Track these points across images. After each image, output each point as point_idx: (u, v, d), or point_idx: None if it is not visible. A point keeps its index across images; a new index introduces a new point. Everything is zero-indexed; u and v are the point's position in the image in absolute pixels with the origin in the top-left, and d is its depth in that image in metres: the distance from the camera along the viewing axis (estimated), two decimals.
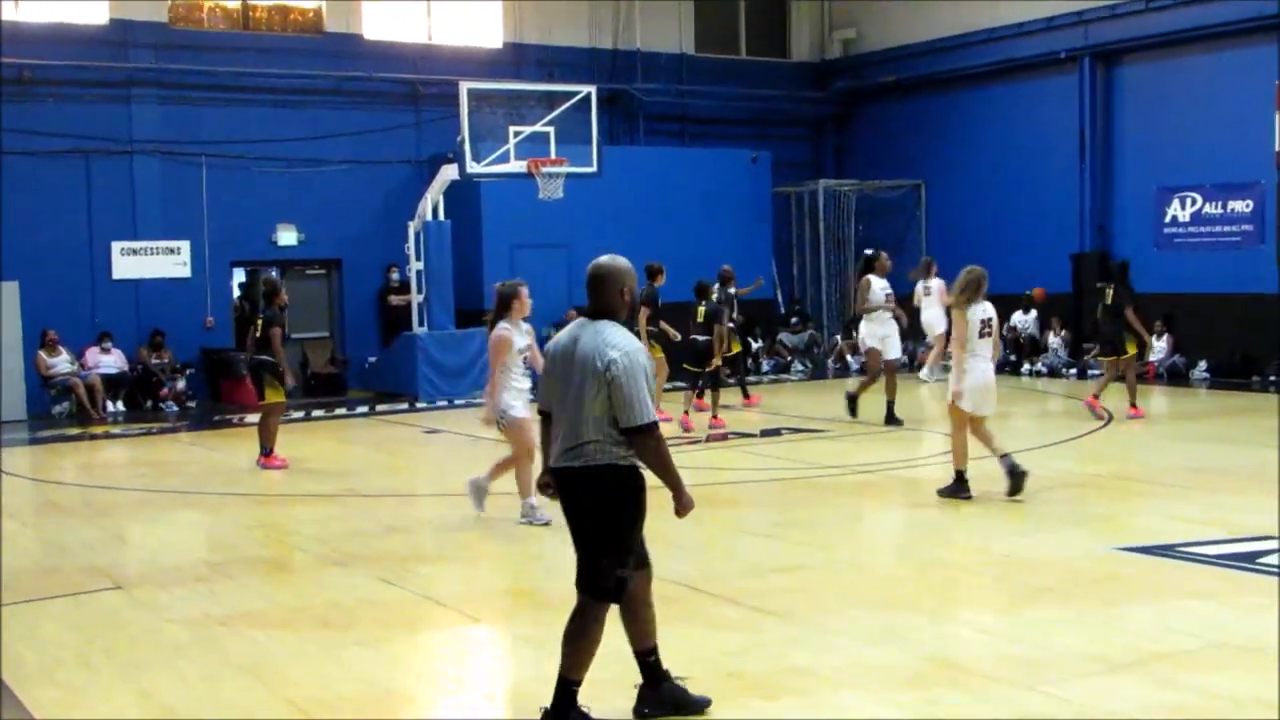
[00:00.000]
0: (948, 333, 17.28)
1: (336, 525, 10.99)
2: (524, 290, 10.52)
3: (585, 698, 5.80)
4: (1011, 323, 22.42)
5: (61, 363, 19.91)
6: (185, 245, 21.68)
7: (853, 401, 16.41)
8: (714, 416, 16.47)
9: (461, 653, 7.37)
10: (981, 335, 10.78)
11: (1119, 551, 9.05)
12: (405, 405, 20.11)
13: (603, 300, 5.74)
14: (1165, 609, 7.56)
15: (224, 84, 21.83)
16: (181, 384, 20.91)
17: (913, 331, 22.05)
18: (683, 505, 5.71)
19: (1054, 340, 22.35)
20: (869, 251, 16.99)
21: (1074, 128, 22.83)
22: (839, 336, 25.18)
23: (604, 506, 5.63)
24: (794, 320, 25.34)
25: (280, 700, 6.33)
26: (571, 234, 22.18)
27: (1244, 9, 20.18)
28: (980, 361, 10.78)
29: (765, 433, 16.01)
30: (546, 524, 10.23)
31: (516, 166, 19.40)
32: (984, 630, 7.26)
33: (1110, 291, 16.33)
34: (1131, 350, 16.30)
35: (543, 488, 5.93)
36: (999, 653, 6.81)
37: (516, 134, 19.46)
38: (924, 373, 20.41)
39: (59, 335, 19.91)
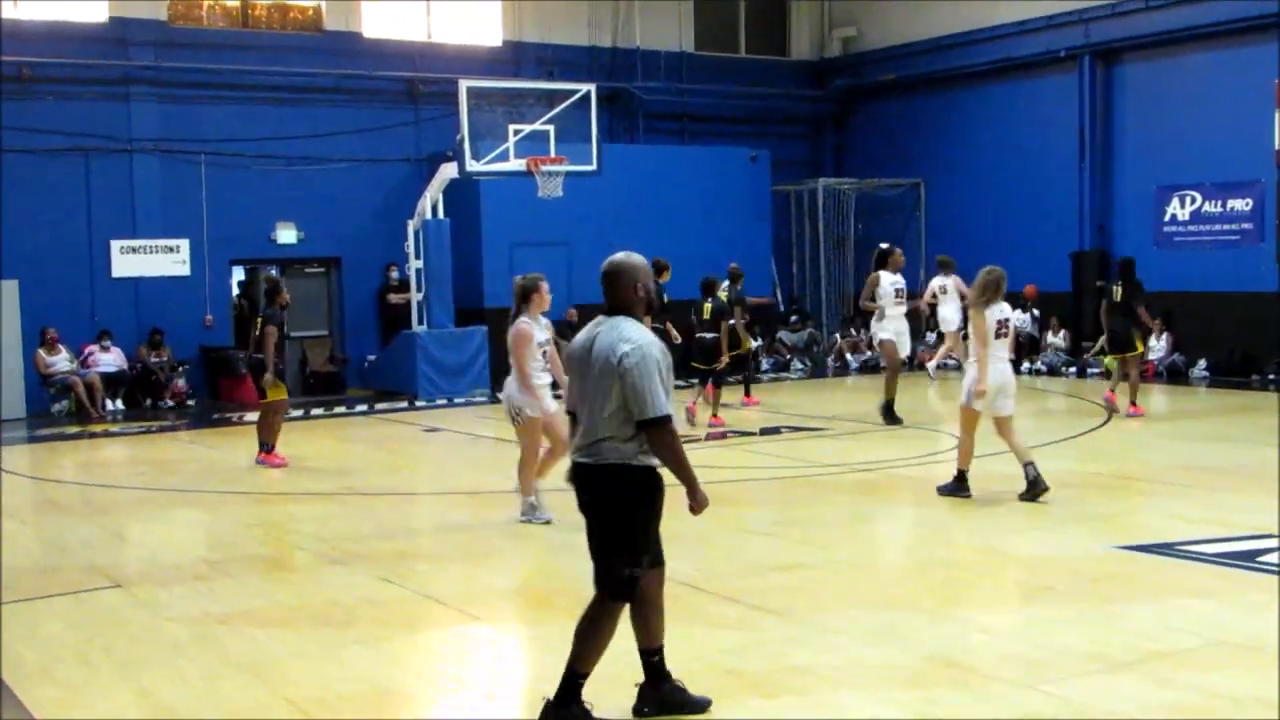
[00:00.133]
0: (961, 331, 17.36)
1: (336, 524, 10.99)
2: (544, 284, 10.42)
3: (586, 694, 5.79)
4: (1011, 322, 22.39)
5: (61, 361, 19.91)
6: (184, 243, 21.68)
7: (890, 407, 15.72)
8: (713, 415, 16.46)
9: (461, 651, 7.36)
10: (998, 335, 10.73)
11: (1119, 550, 9.04)
12: (405, 403, 20.12)
13: (617, 297, 5.76)
14: (1165, 608, 7.55)
15: (223, 82, 21.83)
16: (181, 382, 20.91)
17: (924, 329, 22.13)
18: (697, 502, 5.70)
19: (1052, 339, 22.35)
20: (884, 246, 16.68)
21: (1074, 126, 22.83)
22: (838, 335, 25.21)
23: (616, 505, 5.65)
24: (793, 319, 25.35)
25: (279, 699, 6.32)
26: (571, 232, 22.17)
27: (1243, 8, 20.17)
28: (997, 362, 10.72)
29: (765, 431, 16.01)
30: (547, 523, 10.23)
31: (516, 165, 19.38)
32: (984, 629, 7.25)
33: (1119, 289, 16.39)
34: (1140, 348, 16.38)
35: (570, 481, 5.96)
36: (999, 651, 6.81)
37: (516, 132, 19.44)
38: (931, 367, 20.40)
39: (58, 333, 19.91)
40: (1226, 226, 20.97)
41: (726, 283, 17.30)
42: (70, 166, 20.70)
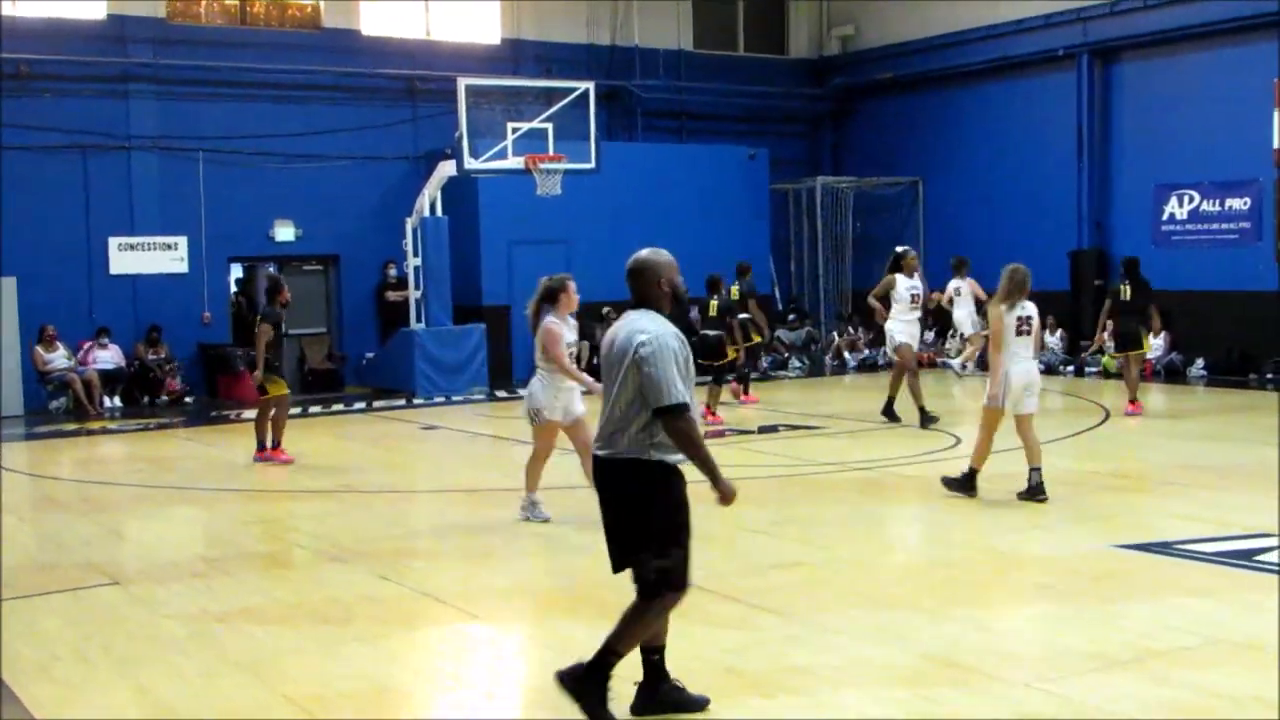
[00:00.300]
0: (982, 331, 17.37)
1: (334, 521, 10.99)
2: (571, 284, 10.29)
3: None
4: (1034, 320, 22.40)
5: (59, 358, 19.89)
6: (183, 241, 21.66)
7: (924, 413, 15.45)
8: (712, 413, 16.47)
9: (460, 649, 7.36)
10: (1020, 333, 10.65)
11: (1117, 549, 9.05)
12: (403, 401, 20.11)
13: (641, 292, 5.81)
14: (1163, 606, 7.56)
15: (222, 79, 21.80)
16: (176, 380, 20.89)
17: (944, 330, 22.14)
18: (721, 493, 5.66)
19: (1050, 338, 22.35)
20: (899, 249, 16.48)
21: (1072, 125, 22.83)
22: (836, 333, 25.22)
23: (632, 502, 5.68)
24: (791, 317, 25.35)
25: (278, 696, 6.32)
26: (569, 230, 22.17)
27: (1242, 7, 20.18)
28: (1020, 361, 10.65)
29: (763, 429, 16.01)
30: (546, 521, 10.23)
31: (514, 163, 19.37)
32: (983, 628, 7.25)
33: (1126, 288, 16.46)
34: (1147, 346, 16.42)
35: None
36: (998, 650, 6.82)
37: (514, 130, 19.43)
38: (957, 365, 20.39)
39: (56, 330, 19.89)
40: (1225, 226, 20.98)
41: (734, 280, 17.40)
42: (68, 164, 20.68)
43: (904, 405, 15.95)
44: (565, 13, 24.82)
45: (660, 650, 5.91)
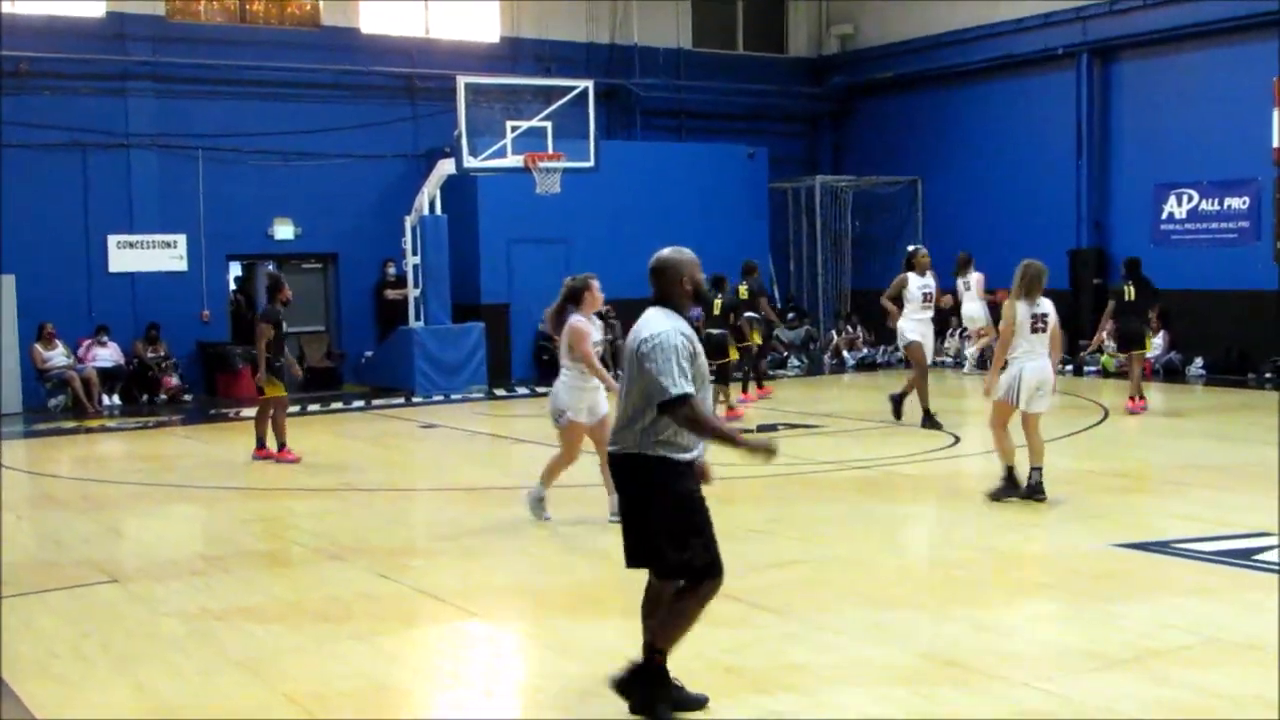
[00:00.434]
0: (994, 323, 17.37)
1: (333, 519, 10.99)
2: (595, 283, 10.10)
3: (577, 692, 5.79)
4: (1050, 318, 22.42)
5: (58, 356, 19.88)
6: (181, 239, 21.66)
7: (929, 416, 15.23)
8: (732, 410, 16.51)
9: (458, 647, 7.36)
10: (1034, 330, 10.55)
11: (1116, 548, 9.05)
12: (401, 400, 20.11)
13: (663, 290, 5.82)
14: (1162, 606, 7.56)
15: (221, 77, 21.80)
16: (174, 378, 20.89)
17: (949, 327, 22.15)
18: (751, 449, 5.65)
19: None
20: (911, 247, 16.31)
21: (1071, 124, 22.84)
22: (835, 332, 25.22)
23: (636, 498, 5.74)
24: (790, 316, 25.35)
25: (276, 694, 6.32)
26: (568, 229, 22.18)
27: (1241, 6, 20.17)
28: (1034, 358, 10.53)
29: (761, 428, 15.99)
30: (546, 520, 10.21)
31: (513, 161, 19.37)
32: (981, 627, 7.25)
33: (1130, 288, 16.50)
34: (1149, 346, 16.45)
35: None
36: (996, 649, 6.82)
37: (514, 128, 19.42)
38: (971, 355, 20.40)
39: (55, 328, 19.89)
40: (1224, 225, 20.98)
41: (740, 279, 17.45)
42: (67, 161, 20.67)
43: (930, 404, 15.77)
44: (564, 11, 24.81)
45: (662, 650, 5.90)
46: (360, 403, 19.95)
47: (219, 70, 21.71)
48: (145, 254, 21.40)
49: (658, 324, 5.68)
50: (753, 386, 18.84)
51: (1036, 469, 10.63)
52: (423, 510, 11.88)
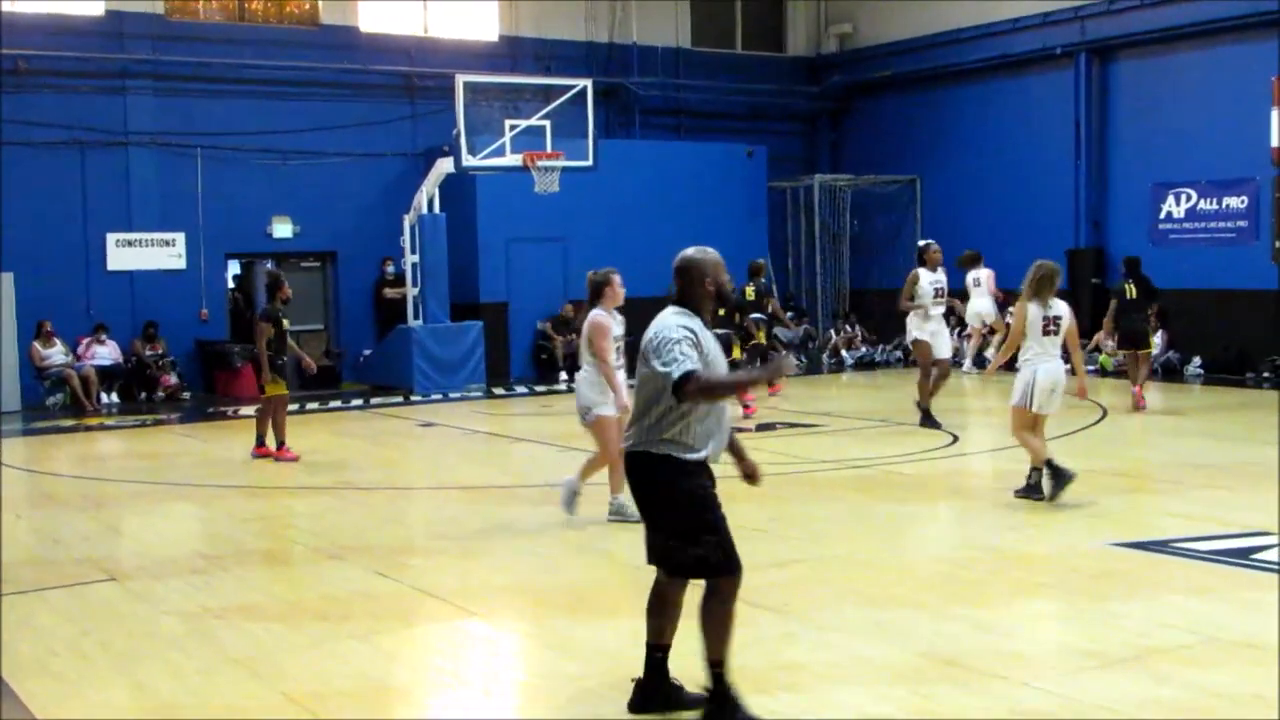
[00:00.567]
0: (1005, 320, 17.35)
1: (332, 518, 10.99)
2: (616, 277, 9.96)
3: (576, 691, 5.77)
4: (1006, 318, 22.44)
5: (56, 354, 19.88)
6: (180, 237, 21.66)
7: (928, 415, 15.12)
8: (746, 407, 16.52)
9: (457, 647, 7.35)
10: (1046, 332, 10.42)
11: (1114, 547, 9.05)
12: (400, 398, 20.11)
13: (685, 290, 5.81)
14: (1161, 605, 7.56)
15: (220, 76, 21.79)
16: (172, 377, 20.88)
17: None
18: (769, 373, 5.68)
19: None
20: (922, 242, 16.14)
21: (1069, 123, 22.85)
22: (833, 331, 25.23)
23: (649, 495, 5.76)
24: (789, 315, 25.33)
25: (275, 693, 6.32)
26: (567, 228, 22.20)
27: (1240, 6, 20.19)
28: (1047, 361, 10.43)
29: (760, 427, 15.99)
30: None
31: (512, 160, 19.38)
32: (979, 626, 7.25)
33: (1131, 287, 16.55)
34: (1152, 345, 16.49)
35: None
36: (994, 648, 6.82)
37: (512, 127, 19.43)
38: (966, 364, 20.42)
39: (54, 326, 19.89)
40: (1222, 224, 20.99)
41: (747, 279, 17.47)
42: (66, 159, 20.67)
43: (938, 403, 15.63)
44: (563, 10, 24.82)
45: (666, 649, 5.90)
46: (359, 401, 19.95)
47: (218, 69, 21.71)
48: (144, 252, 21.40)
49: (662, 321, 5.69)
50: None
51: (1036, 470, 10.62)
52: (421, 509, 11.88)
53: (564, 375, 21.90)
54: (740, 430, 12.84)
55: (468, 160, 19.32)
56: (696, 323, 5.71)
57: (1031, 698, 6.02)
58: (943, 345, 15.30)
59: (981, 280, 19.38)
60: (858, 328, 24.95)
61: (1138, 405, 16.23)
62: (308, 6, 23.11)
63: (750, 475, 6.08)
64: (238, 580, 8.75)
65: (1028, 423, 10.63)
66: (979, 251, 19.71)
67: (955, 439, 14.29)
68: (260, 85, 22.15)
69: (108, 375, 20.27)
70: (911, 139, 25.99)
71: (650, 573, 5.94)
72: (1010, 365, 11.09)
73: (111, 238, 21.12)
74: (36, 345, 19.76)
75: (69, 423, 18.29)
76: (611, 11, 25.40)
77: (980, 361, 19.51)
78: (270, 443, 14.13)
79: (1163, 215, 21.76)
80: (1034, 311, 10.46)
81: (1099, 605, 7.60)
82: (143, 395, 20.69)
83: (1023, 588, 8.23)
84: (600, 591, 8.29)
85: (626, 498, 9.96)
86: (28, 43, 20.14)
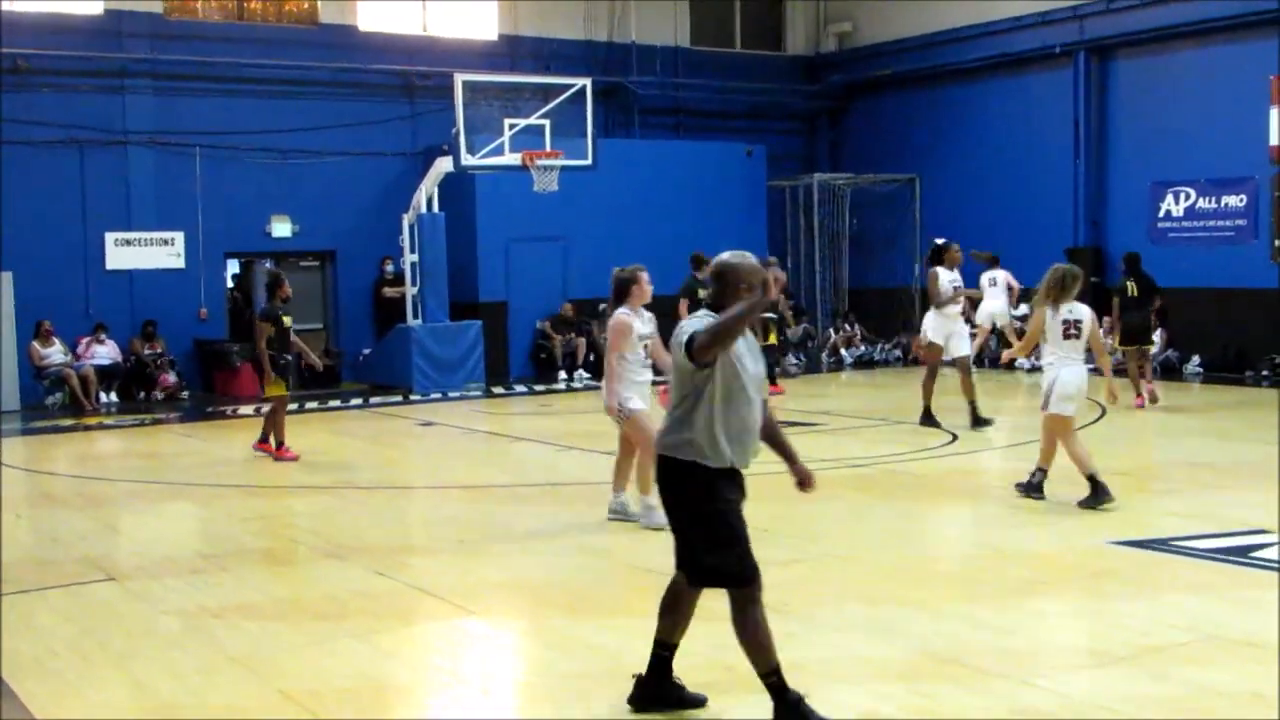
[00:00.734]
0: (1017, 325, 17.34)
1: (331, 517, 10.99)
2: (643, 275, 9.77)
3: (575, 691, 5.76)
4: (1015, 322, 22.45)
5: (55, 353, 19.87)
6: (179, 236, 21.65)
7: (929, 414, 15.00)
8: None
9: (456, 646, 7.35)
10: (1067, 337, 10.26)
11: (1113, 545, 9.05)
12: (399, 397, 20.11)
13: (720, 294, 5.79)
14: (1159, 603, 7.56)
15: (219, 75, 21.78)
16: (171, 376, 20.88)
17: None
18: (751, 310, 5.49)
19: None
20: (939, 241, 15.83)
21: (1068, 122, 22.85)
22: (833, 330, 25.23)
23: (672, 502, 5.75)
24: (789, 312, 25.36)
25: (274, 692, 6.31)
26: (566, 227, 22.19)
27: (1239, 5, 20.18)
28: (1070, 365, 10.27)
29: None
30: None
31: (511, 159, 19.37)
32: (978, 624, 7.25)
33: (1132, 284, 16.57)
34: (1154, 343, 16.50)
35: None
36: (993, 646, 6.82)
37: (511, 126, 19.42)
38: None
39: (53, 326, 19.88)
40: (1221, 223, 20.99)
41: None
42: (65, 159, 20.66)
43: (945, 404, 15.59)
44: (562, 9, 24.81)
45: (672, 649, 5.91)
46: (358, 400, 19.95)
47: (217, 68, 21.70)
48: (143, 251, 21.38)
49: (684, 322, 5.70)
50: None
51: (1041, 469, 10.59)
52: (421, 508, 11.88)
53: (563, 374, 21.91)
54: None
55: (467, 159, 19.31)
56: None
57: (1031, 696, 6.02)
58: (962, 343, 15.14)
59: (998, 280, 19.36)
60: (857, 326, 24.95)
61: (1137, 402, 16.22)
62: (306, 6, 23.10)
63: (802, 481, 6.06)
64: (236, 579, 8.74)
65: (1063, 427, 10.41)
66: (997, 254, 19.69)
67: (955, 438, 14.29)
68: (259, 84, 22.14)
69: (107, 375, 20.26)
70: (910, 138, 25.99)
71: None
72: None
73: (110, 237, 21.11)
74: (35, 345, 19.75)
75: (68, 422, 18.29)
76: (611, 11, 25.39)
77: (980, 362, 19.52)
78: (271, 441, 14.11)
79: (1162, 214, 21.76)
80: (1050, 315, 10.28)
81: (1099, 604, 7.60)
82: (142, 395, 20.67)
83: (1022, 586, 8.23)
84: (599, 591, 8.29)
85: (628, 497, 9.99)
86: (27, 42, 20.11)
